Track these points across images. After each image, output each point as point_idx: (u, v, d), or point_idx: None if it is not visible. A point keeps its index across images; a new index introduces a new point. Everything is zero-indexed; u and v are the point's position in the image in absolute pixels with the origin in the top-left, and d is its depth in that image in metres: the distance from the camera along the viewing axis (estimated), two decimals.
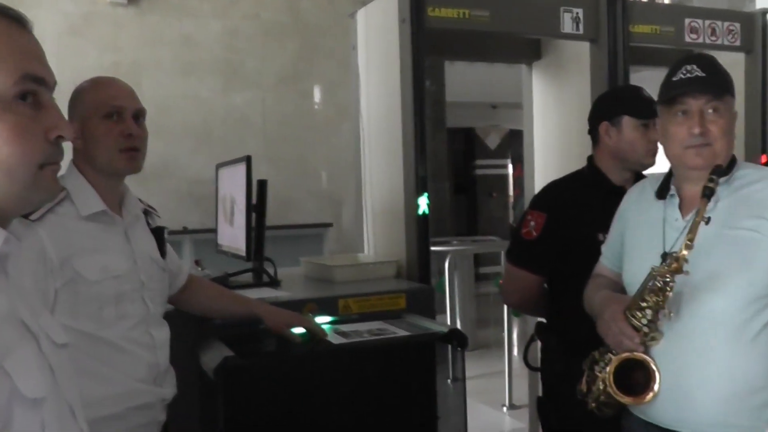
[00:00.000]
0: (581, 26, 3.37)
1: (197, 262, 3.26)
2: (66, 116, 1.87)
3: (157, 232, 2.08)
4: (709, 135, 1.80)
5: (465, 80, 9.45)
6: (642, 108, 2.38)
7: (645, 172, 2.44)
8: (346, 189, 6.51)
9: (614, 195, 2.20)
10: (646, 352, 1.79)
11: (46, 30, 5.98)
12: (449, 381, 2.60)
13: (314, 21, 7.02)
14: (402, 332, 2.42)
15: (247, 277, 3.01)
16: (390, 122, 3.19)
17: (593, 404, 1.92)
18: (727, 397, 1.75)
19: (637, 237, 1.98)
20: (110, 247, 1.88)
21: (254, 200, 2.86)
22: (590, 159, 2.54)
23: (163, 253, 2.06)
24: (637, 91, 2.47)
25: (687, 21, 3.62)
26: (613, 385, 1.78)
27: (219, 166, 3.40)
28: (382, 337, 2.38)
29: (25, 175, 0.97)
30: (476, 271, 8.07)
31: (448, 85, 8.98)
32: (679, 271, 1.68)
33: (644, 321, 1.76)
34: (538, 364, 2.67)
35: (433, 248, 3.13)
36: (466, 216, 12.50)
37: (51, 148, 0.99)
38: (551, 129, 3.87)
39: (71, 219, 1.82)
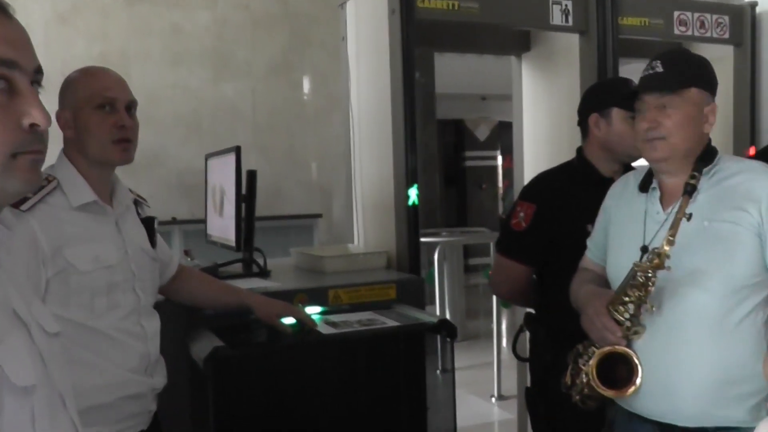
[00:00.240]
0: (570, 18, 3.38)
1: (187, 253, 3.26)
2: (57, 105, 1.89)
3: (148, 222, 2.08)
4: (662, 129, 1.84)
5: (454, 72, 9.46)
6: (631, 100, 2.39)
7: (634, 164, 2.45)
8: (336, 180, 6.50)
9: (603, 186, 2.21)
10: (629, 345, 1.81)
11: (34, 19, 5.94)
12: (438, 372, 2.62)
13: (304, 11, 6.99)
14: (392, 322, 2.43)
15: (237, 267, 3.01)
16: (380, 113, 3.19)
17: (577, 397, 1.94)
18: (709, 388, 1.77)
19: (620, 230, 2.00)
20: (101, 237, 1.88)
21: (244, 191, 2.86)
22: (579, 150, 2.55)
23: (153, 243, 2.06)
24: (627, 83, 2.48)
25: (676, 14, 3.63)
26: (595, 379, 1.79)
27: (208, 156, 3.39)
28: (371, 327, 2.38)
29: None
30: (466, 262, 8.09)
31: (438, 76, 8.98)
32: (660, 267, 1.70)
33: (626, 315, 1.79)
34: (527, 355, 2.68)
35: (422, 239, 3.14)
36: (456, 207, 12.53)
37: (25, 136, 0.95)
38: (541, 120, 3.88)
39: (62, 209, 1.82)
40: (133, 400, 1.89)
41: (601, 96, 2.50)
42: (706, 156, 1.87)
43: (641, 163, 2.12)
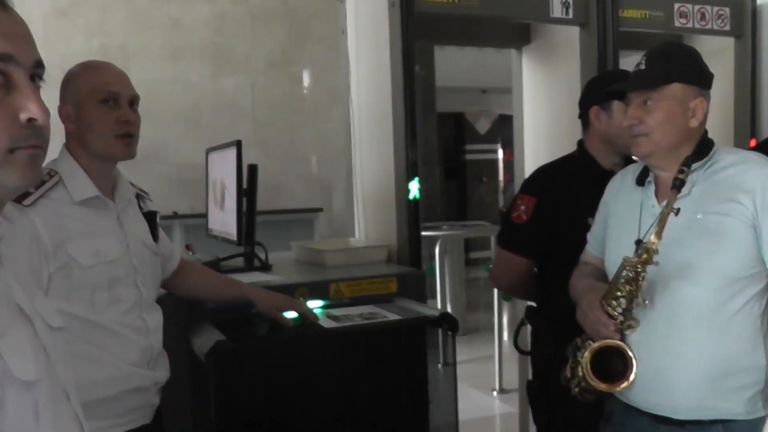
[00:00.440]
0: (571, 11, 3.37)
1: (188, 247, 3.26)
2: (57, 100, 1.89)
3: (150, 217, 2.08)
4: (643, 126, 1.85)
5: (454, 65, 9.45)
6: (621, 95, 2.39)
7: (635, 156, 2.45)
8: (337, 174, 6.50)
9: (604, 179, 2.21)
10: (624, 339, 1.81)
11: (33, 14, 5.92)
12: (440, 365, 2.62)
13: (303, 5, 6.97)
14: (393, 316, 2.43)
15: (238, 261, 3.01)
16: (380, 107, 3.18)
17: (576, 390, 1.94)
18: (703, 381, 1.77)
19: (617, 224, 2.00)
20: (103, 232, 1.88)
21: (245, 185, 2.86)
22: (580, 143, 2.55)
23: (155, 237, 2.07)
24: (627, 75, 2.47)
25: (676, 6, 3.63)
26: (589, 372, 1.80)
27: (209, 150, 3.39)
28: (373, 321, 2.38)
29: None
30: (466, 255, 8.09)
31: (438, 69, 8.98)
32: (648, 262, 1.70)
33: (619, 310, 1.79)
34: (528, 348, 2.69)
35: (423, 233, 3.14)
36: (457, 201, 12.53)
37: (22, 131, 0.94)
38: (541, 113, 3.87)
39: (64, 204, 1.82)
40: (135, 393, 1.90)
41: (602, 88, 2.49)
42: (702, 148, 1.87)
43: None
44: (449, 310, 6.23)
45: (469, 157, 12.62)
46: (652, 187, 1.93)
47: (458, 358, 2.54)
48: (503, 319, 5.96)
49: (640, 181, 1.97)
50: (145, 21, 6.54)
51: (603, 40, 3.40)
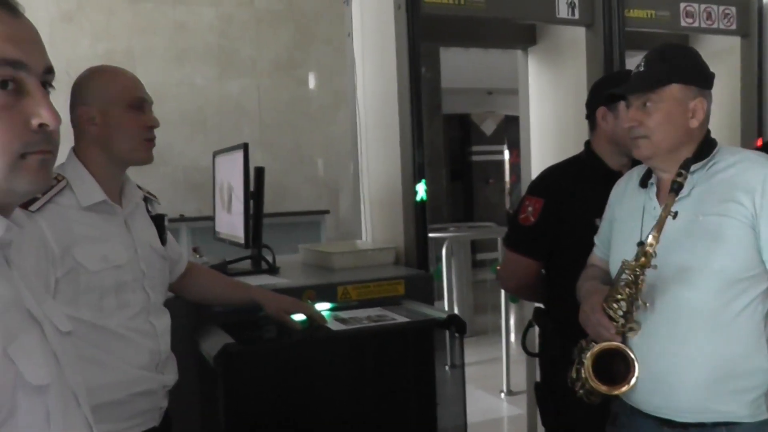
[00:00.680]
0: (576, 11, 3.37)
1: (195, 250, 3.26)
2: (64, 104, 1.89)
3: (157, 220, 2.08)
4: (643, 128, 1.85)
5: (460, 66, 9.45)
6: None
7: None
8: (343, 176, 6.51)
9: (611, 180, 2.20)
10: (625, 342, 1.81)
11: (39, 18, 5.95)
12: (447, 367, 2.62)
13: (309, 8, 6.99)
14: (401, 318, 2.43)
15: (246, 264, 3.01)
16: (387, 109, 3.18)
17: (581, 391, 1.94)
18: (704, 383, 1.76)
19: (621, 226, 2.00)
20: (111, 236, 1.88)
21: (252, 188, 2.86)
22: (587, 144, 2.54)
23: (163, 240, 2.07)
24: None
25: (682, 5, 3.62)
26: (591, 374, 1.79)
27: (216, 153, 3.39)
28: (381, 323, 2.38)
29: (1, 164, 0.93)
30: (473, 257, 8.08)
31: (444, 71, 8.98)
32: (646, 265, 1.70)
33: (620, 312, 1.79)
34: (536, 350, 2.68)
35: (430, 235, 3.14)
36: (463, 202, 12.52)
37: (33, 136, 0.95)
38: (547, 114, 3.87)
39: (71, 209, 1.82)
40: (143, 396, 1.89)
41: (609, 89, 2.49)
42: (704, 149, 1.86)
43: None
44: (456, 311, 6.20)
45: (475, 158, 12.61)
46: (655, 189, 1.92)
47: (465, 360, 2.54)
48: (510, 321, 5.95)
49: (644, 183, 1.97)
50: (151, 24, 6.56)
51: (609, 40, 3.39)
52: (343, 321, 2.39)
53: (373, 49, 3.39)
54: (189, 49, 6.68)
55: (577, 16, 3.37)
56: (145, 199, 2.08)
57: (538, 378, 2.68)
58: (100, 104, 1.90)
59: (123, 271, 1.87)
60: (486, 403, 5.17)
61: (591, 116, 2.51)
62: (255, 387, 2.36)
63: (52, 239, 1.73)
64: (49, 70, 1.00)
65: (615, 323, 1.79)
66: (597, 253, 2.16)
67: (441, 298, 6.24)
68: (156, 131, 1.99)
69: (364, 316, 2.45)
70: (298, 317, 2.28)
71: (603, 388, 1.80)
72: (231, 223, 3.09)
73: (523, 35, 3.92)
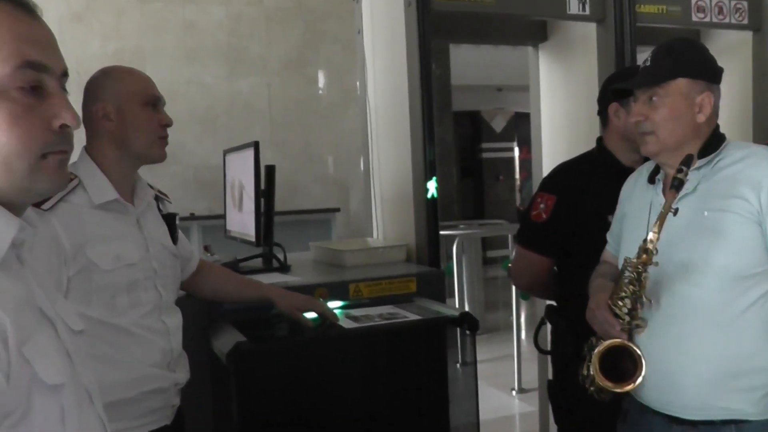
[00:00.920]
0: (587, 7, 3.35)
1: (206, 248, 3.26)
2: (76, 104, 1.90)
3: (169, 219, 2.08)
4: (649, 123, 1.85)
5: (470, 63, 9.43)
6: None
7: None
8: (353, 174, 6.51)
9: (624, 176, 2.19)
10: (632, 339, 1.80)
11: (49, 17, 5.92)
12: (459, 365, 2.61)
13: (318, 5, 6.99)
14: (413, 316, 2.42)
15: (257, 262, 3.01)
16: (397, 106, 3.18)
17: (591, 389, 1.93)
18: (711, 381, 1.75)
19: (630, 223, 1.99)
20: (123, 235, 1.88)
21: (263, 186, 2.86)
22: (599, 140, 2.53)
23: (174, 239, 2.07)
24: None
25: (694, 0, 3.59)
26: (598, 371, 1.79)
27: (226, 152, 3.40)
28: (393, 321, 2.38)
29: (22, 164, 0.95)
30: (484, 254, 8.07)
31: (454, 68, 8.96)
32: (648, 262, 1.69)
33: (625, 310, 1.78)
34: (548, 348, 2.67)
35: (440, 232, 3.13)
36: (473, 200, 12.51)
37: (54, 137, 0.97)
38: (558, 111, 3.85)
39: (84, 207, 1.82)
40: (156, 394, 1.90)
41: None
42: (712, 143, 1.84)
43: None
44: (467, 309, 6.22)
45: (485, 155, 12.60)
46: (662, 185, 1.91)
47: (477, 358, 2.53)
48: (521, 318, 5.95)
49: (652, 179, 1.96)
50: (160, 23, 6.57)
51: (620, 36, 3.37)
52: (355, 319, 2.39)
53: (383, 46, 3.38)
54: (199, 48, 6.69)
55: (588, 11, 3.36)
56: (157, 198, 2.08)
57: (550, 375, 2.67)
58: (116, 101, 1.91)
59: (135, 269, 1.87)
60: (498, 401, 5.17)
61: (603, 112, 2.49)
62: (267, 385, 2.36)
63: (64, 238, 1.74)
64: (65, 73, 1.02)
65: (621, 320, 1.78)
66: (609, 250, 2.15)
67: (452, 295, 6.25)
68: (167, 130, 2.00)
69: (376, 314, 2.45)
70: (310, 315, 2.28)
71: (610, 386, 1.79)
72: (242, 222, 3.09)
73: (533, 31, 3.90)
